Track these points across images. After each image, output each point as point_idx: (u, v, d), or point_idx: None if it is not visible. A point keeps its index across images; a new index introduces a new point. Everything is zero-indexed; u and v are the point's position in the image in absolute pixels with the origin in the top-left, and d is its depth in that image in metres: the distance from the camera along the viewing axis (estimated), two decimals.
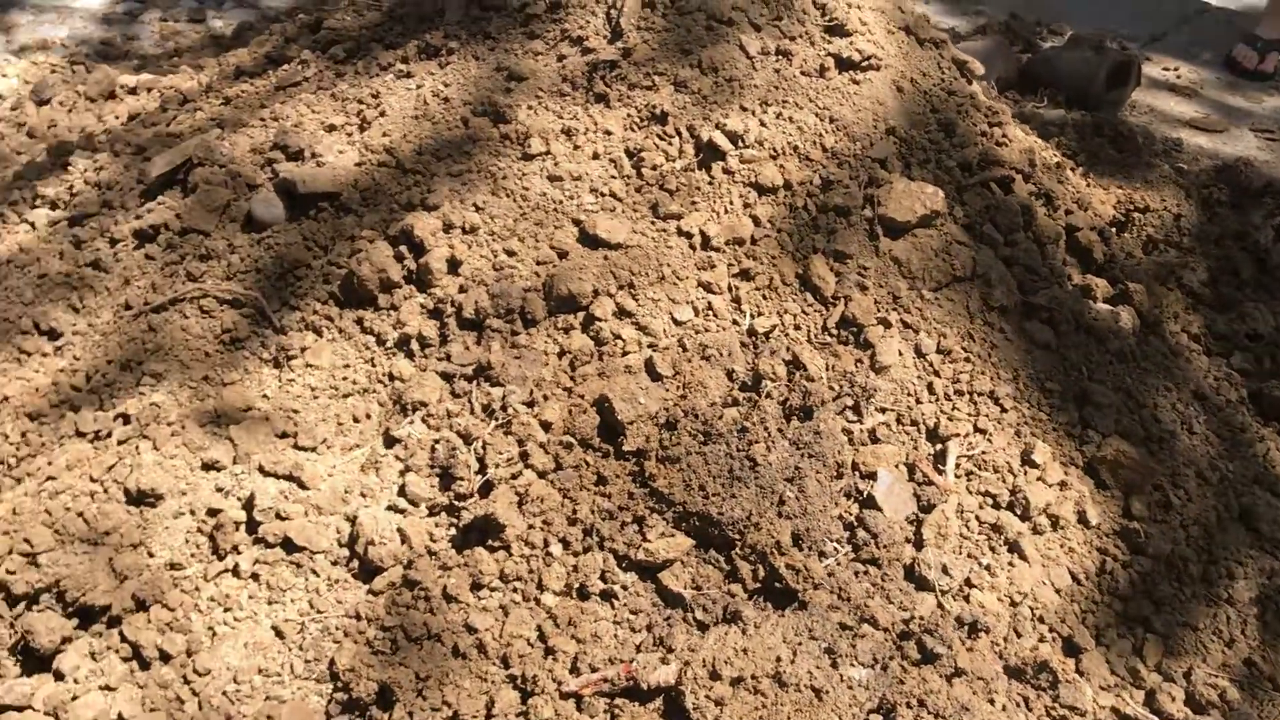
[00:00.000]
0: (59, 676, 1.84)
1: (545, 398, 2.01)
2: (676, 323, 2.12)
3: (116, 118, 3.02)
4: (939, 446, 2.09)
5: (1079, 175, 3.13)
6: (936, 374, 2.16)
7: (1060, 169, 2.92)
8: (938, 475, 2.04)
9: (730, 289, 2.18)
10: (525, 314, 2.11)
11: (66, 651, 1.84)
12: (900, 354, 2.14)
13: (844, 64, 2.40)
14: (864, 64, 2.40)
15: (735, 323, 2.14)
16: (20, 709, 1.80)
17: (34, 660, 1.86)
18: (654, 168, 2.28)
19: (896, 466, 2.04)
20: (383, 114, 2.46)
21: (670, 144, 2.30)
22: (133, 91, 3.23)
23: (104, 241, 2.41)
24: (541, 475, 1.92)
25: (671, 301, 2.14)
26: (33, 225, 2.57)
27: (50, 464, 2.08)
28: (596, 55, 2.40)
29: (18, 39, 3.96)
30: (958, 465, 2.07)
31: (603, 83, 2.37)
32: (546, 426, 1.97)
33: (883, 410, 2.09)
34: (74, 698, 1.80)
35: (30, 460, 2.11)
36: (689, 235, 2.21)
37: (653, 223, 2.22)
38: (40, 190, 2.66)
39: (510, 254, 2.19)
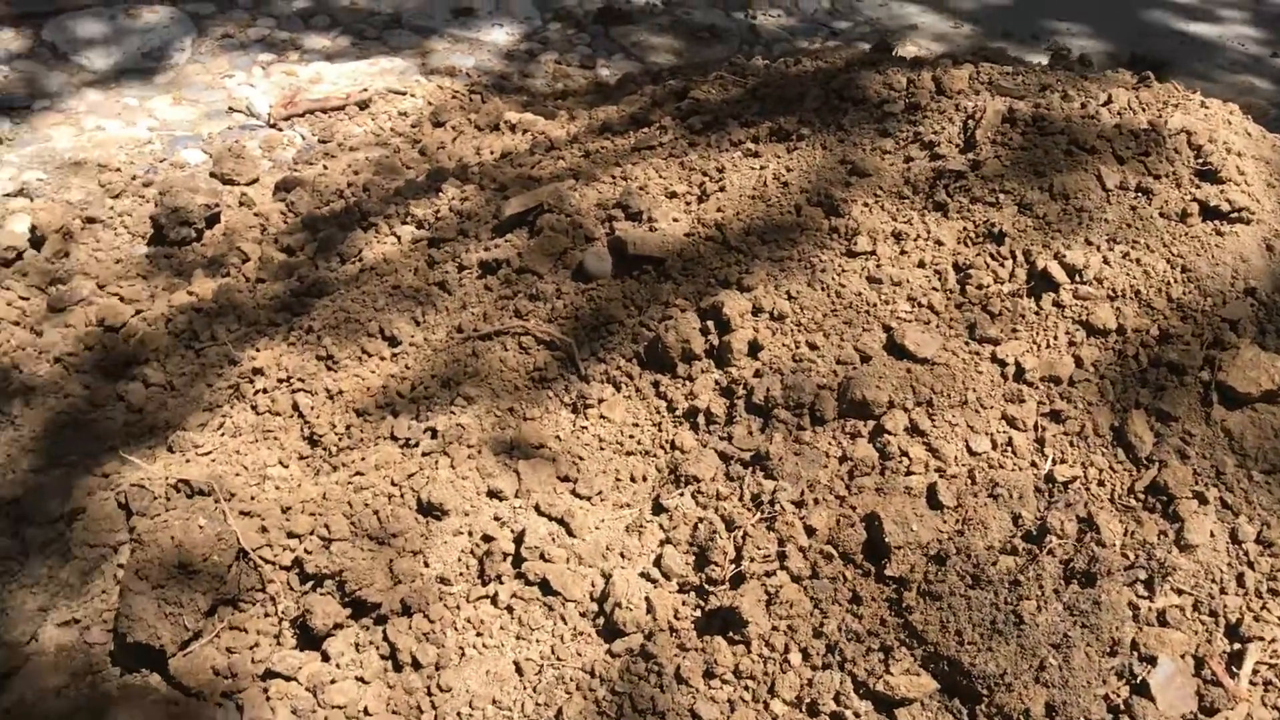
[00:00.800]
0: (325, 658, 2.01)
1: (815, 501, 1.99)
2: (971, 452, 2.04)
3: (491, 152, 3.27)
4: (1237, 646, 1.88)
5: None
6: (1251, 565, 1.95)
7: None
8: (1229, 678, 1.84)
9: (1036, 428, 2.06)
10: (815, 411, 2.10)
11: (336, 637, 2.01)
12: (1212, 535, 1.95)
13: (1210, 212, 2.23)
14: (1233, 215, 2.21)
15: (1034, 465, 2.03)
16: (287, 678, 1.99)
17: (308, 637, 2.04)
18: (980, 287, 2.20)
19: (1182, 657, 1.86)
20: (722, 189, 2.52)
21: (1002, 265, 2.22)
22: (513, 128, 3.50)
23: (453, 266, 2.62)
24: (796, 580, 1.90)
25: (970, 429, 2.06)
26: (398, 239, 2.84)
27: (363, 459, 2.28)
28: (944, 163, 2.35)
29: (431, 63, 4.38)
30: (1255, 671, 1.86)
31: (944, 192, 2.32)
32: (810, 531, 1.95)
33: (1179, 592, 1.91)
34: (332, 681, 1.96)
35: (348, 452, 2.33)
36: (1002, 363, 2.11)
37: (966, 343, 2.15)
38: (412, 208, 2.93)
39: (812, 347, 2.18)
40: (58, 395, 2.66)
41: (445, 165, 3.22)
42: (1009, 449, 2.04)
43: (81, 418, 2.61)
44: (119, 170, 3.54)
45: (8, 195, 3.42)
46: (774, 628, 1.86)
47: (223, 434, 2.44)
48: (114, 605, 2.12)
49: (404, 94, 4.05)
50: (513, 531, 2.09)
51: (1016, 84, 2.58)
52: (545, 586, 2.01)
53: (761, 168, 2.54)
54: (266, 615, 2.08)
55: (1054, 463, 2.03)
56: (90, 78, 4.07)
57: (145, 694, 2.02)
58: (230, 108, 3.97)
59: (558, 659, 1.95)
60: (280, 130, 3.85)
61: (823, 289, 2.25)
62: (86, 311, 2.88)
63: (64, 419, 2.60)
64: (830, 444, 2.07)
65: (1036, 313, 2.17)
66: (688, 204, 2.54)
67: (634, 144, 2.88)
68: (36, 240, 3.15)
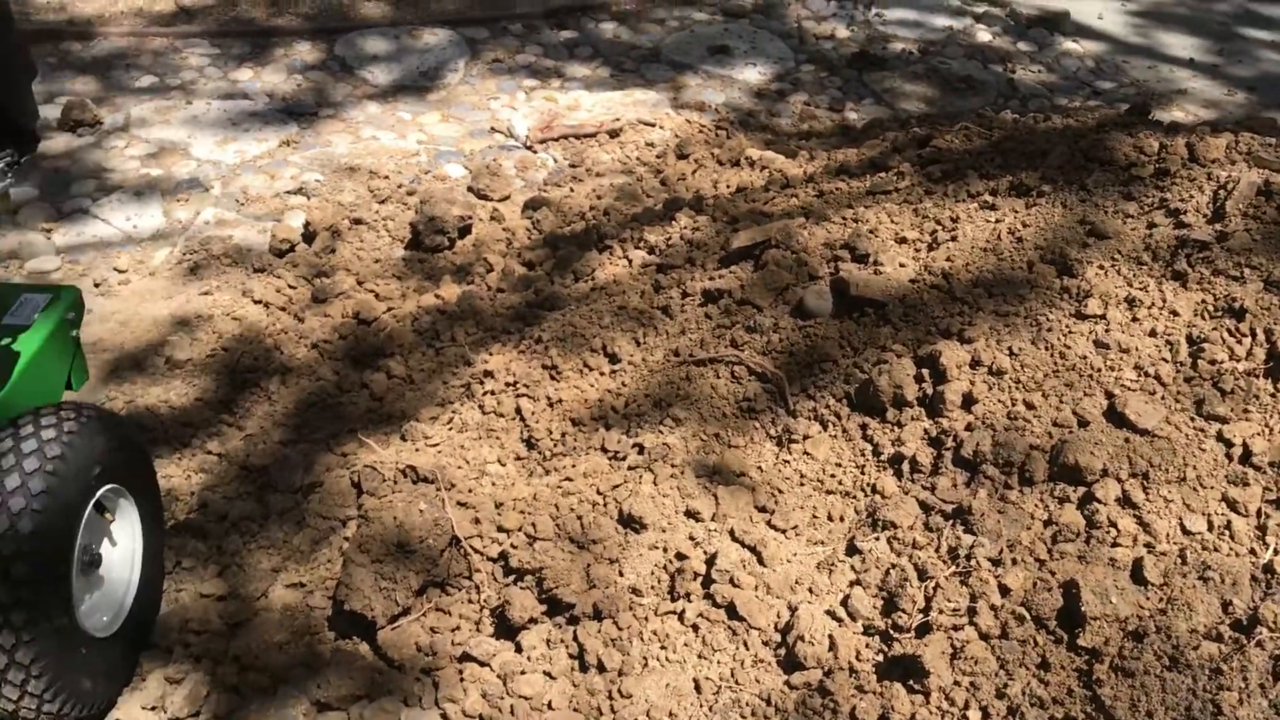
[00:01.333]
0: (517, 649, 2.11)
1: (1014, 561, 1.95)
2: (1184, 531, 1.96)
3: (728, 186, 3.36)
4: None
5: None
6: None
7: None
8: None
9: (1259, 514, 1.96)
10: (1024, 471, 2.06)
11: (529, 631, 2.12)
12: None
13: None
14: None
15: (1252, 553, 1.93)
16: (481, 663, 2.11)
17: (504, 628, 2.15)
18: (1213, 362, 2.11)
19: None
20: (954, 239, 2.51)
21: (1240, 342, 2.12)
22: (752, 164, 3.57)
23: (677, 292, 2.72)
24: (984, 637, 1.87)
25: (1186, 507, 1.97)
26: (630, 262, 2.96)
27: (573, 466, 2.39)
28: (1188, 232, 2.27)
29: (683, 97, 4.53)
30: None
31: (1185, 261, 2.24)
32: (1005, 591, 1.91)
33: None
34: (521, 672, 2.06)
35: (561, 458, 2.45)
36: (1229, 443, 2.02)
37: (1191, 419, 2.06)
38: (646, 234, 3.04)
39: (1029, 406, 2.15)
40: (310, 377, 2.90)
41: (682, 196, 3.33)
42: (1226, 532, 1.94)
43: (329, 400, 2.84)
44: (387, 178, 3.82)
45: (288, 193, 3.76)
46: (956, 682, 1.84)
47: (450, 428, 2.61)
48: (336, 574, 2.30)
49: (653, 125, 4.20)
50: (705, 553, 2.15)
51: (1277, 156, 2.46)
52: (731, 610, 2.05)
53: (997, 221, 2.52)
54: (470, 601, 2.21)
55: (1275, 553, 1.92)
56: (371, 91, 4.42)
57: (354, 660, 2.19)
58: (492, 128, 4.22)
59: (736, 682, 1.98)
60: (535, 152, 4.07)
61: (1046, 349, 2.21)
62: (344, 304, 3.13)
63: (313, 399, 2.83)
64: (1036, 506, 2.03)
65: (1272, 394, 2.06)
66: (916, 250, 2.54)
67: (869, 187, 2.90)
68: (308, 235, 3.45)
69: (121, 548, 2.16)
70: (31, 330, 2.21)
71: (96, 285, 3.26)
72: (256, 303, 3.17)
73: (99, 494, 2.01)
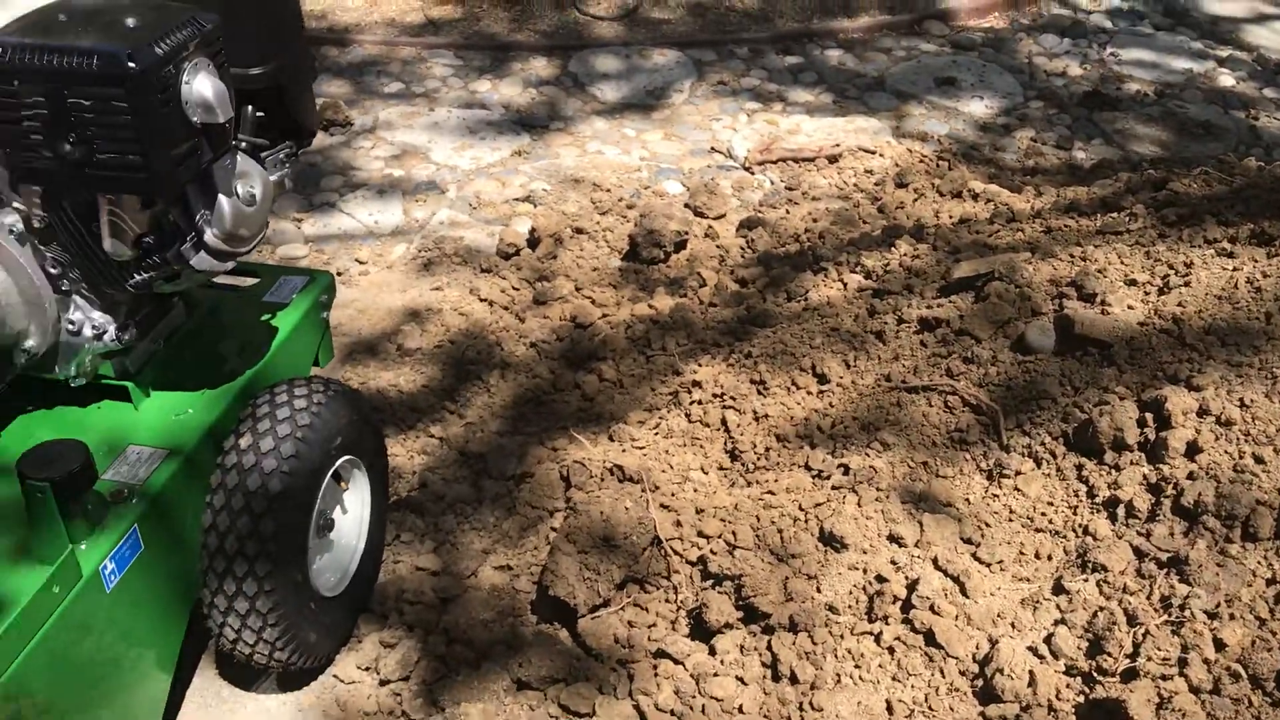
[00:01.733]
0: (711, 651, 2.16)
1: (1231, 616, 1.88)
2: None
3: (950, 217, 3.34)
4: None
5: None
6: None
7: None
8: None
9: None
10: (1248, 526, 1.98)
11: (724, 635, 2.16)
12: None
13: None
14: None
15: None
16: (676, 661, 2.16)
17: (700, 630, 2.21)
18: None
19: None
20: (1187, 284, 2.44)
21: None
22: (975, 196, 3.54)
23: (892, 318, 2.72)
24: (1194, 690, 1.81)
25: None
26: (844, 285, 2.98)
27: (776, 481, 2.43)
28: None
29: (904, 127, 4.51)
30: None
31: None
32: (1220, 645, 1.85)
33: None
34: (714, 674, 2.11)
35: (763, 471, 2.49)
36: None
37: None
38: (863, 259, 3.06)
39: (1258, 460, 2.06)
40: (527, 374, 3.04)
41: (902, 223, 3.33)
42: None
43: (543, 396, 2.96)
44: (609, 191, 3.96)
45: (517, 199, 3.94)
46: None
47: (657, 433, 2.69)
48: (542, 560, 2.41)
49: (873, 153, 4.21)
50: (907, 578, 2.14)
51: None
52: (930, 637, 2.05)
53: (1234, 269, 2.43)
54: (667, 600, 2.27)
55: None
56: (599, 107, 4.59)
57: (553, 643, 2.28)
58: (712, 148, 4.31)
59: (929, 708, 1.98)
60: (752, 173, 4.14)
61: None
62: (563, 307, 3.26)
63: (528, 395, 2.97)
64: (1259, 563, 1.95)
65: None
66: (1146, 294, 2.48)
67: (1099, 226, 2.84)
68: (533, 241, 3.61)
69: (351, 515, 2.32)
70: (289, 309, 2.41)
71: (338, 274, 3.50)
72: (482, 300, 3.34)
73: (338, 463, 2.16)
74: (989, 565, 2.17)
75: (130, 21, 1.71)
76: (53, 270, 1.90)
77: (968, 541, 2.21)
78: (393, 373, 3.07)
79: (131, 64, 1.64)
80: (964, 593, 2.11)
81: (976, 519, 2.23)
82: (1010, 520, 2.23)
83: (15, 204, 1.85)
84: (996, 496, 2.27)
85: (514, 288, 3.41)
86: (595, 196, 3.90)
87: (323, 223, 3.76)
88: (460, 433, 2.83)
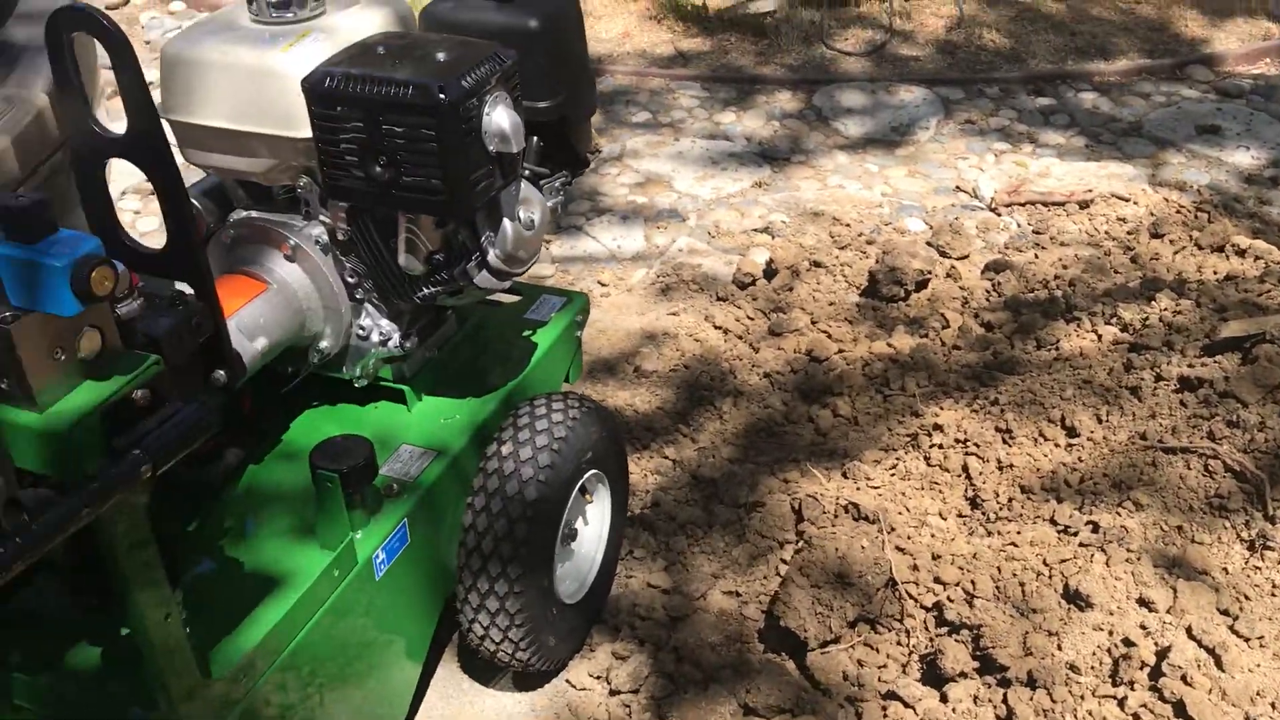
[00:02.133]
0: (943, 699, 2.14)
1: None
2: None
3: (1215, 273, 3.19)
4: None
5: None
6: None
7: None
8: None
9: None
10: None
11: (958, 684, 2.13)
12: None
13: None
14: None
15: None
16: (906, 704, 2.15)
17: (933, 675, 2.18)
18: None
19: None
20: None
21: None
22: (1241, 252, 3.36)
23: (1150, 374, 2.62)
24: None
25: None
26: (1099, 337, 2.89)
27: (1018, 533, 2.38)
28: None
29: (1161, 175, 4.33)
30: None
31: None
32: None
33: None
34: None
35: (1006, 522, 2.44)
36: None
37: None
38: (1120, 311, 2.96)
39: None
40: (760, 404, 3.07)
41: (1161, 276, 3.20)
42: None
43: (775, 428, 2.99)
44: (849, 225, 3.96)
45: (755, 230, 3.99)
46: None
47: (894, 474, 2.68)
48: (770, 590, 2.43)
49: (1127, 200, 4.06)
50: (1156, 644, 2.06)
51: None
52: (1180, 708, 1.96)
53: None
54: (899, 644, 2.26)
55: None
56: (842, 141, 4.60)
57: (781, 673, 2.30)
58: (957, 187, 4.25)
59: None
60: (998, 215, 4.05)
61: None
62: (798, 340, 3.28)
63: (760, 424, 3.00)
64: None
65: None
66: None
67: None
68: (769, 272, 3.64)
69: (593, 528, 2.41)
70: (548, 326, 2.53)
71: None
72: (717, 328, 3.40)
73: (585, 476, 2.25)
74: (1248, 640, 2.06)
75: (441, 56, 1.85)
76: (350, 280, 2.07)
77: (1224, 613, 2.11)
78: (629, 392, 3.16)
79: (442, 95, 1.78)
80: (1219, 665, 2.01)
81: (1235, 590, 2.13)
82: (1273, 595, 2.11)
83: (322, 217, 2.03)
84: (1258, 569, 2.16)
85: (749, 317, 3.45)
86: (834, 230, 3.91)
87: (570, 245, 3.91)
88: (693, 456, 2.89)
